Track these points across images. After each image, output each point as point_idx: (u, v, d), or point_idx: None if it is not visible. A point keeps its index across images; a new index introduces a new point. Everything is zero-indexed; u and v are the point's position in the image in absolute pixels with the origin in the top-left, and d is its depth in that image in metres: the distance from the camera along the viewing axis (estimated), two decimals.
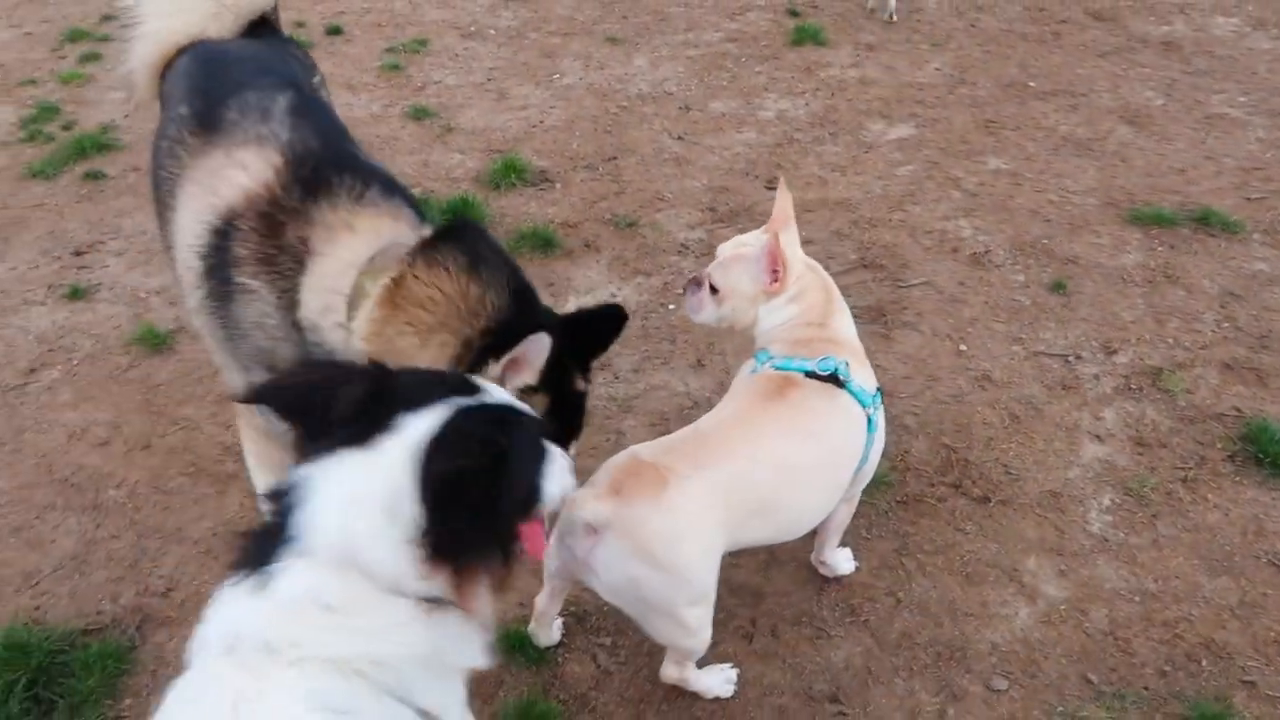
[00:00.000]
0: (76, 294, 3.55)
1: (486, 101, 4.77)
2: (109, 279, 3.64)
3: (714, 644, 2.13)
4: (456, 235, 1.87)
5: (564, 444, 1.87)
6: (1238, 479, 2.82)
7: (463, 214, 3.70)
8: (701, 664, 2.23)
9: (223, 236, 1.89)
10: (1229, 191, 4.13)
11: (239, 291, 1.89)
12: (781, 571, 2.57)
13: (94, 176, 4.19)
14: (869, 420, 2.16)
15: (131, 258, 3.75)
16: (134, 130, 4.51)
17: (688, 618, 1.97)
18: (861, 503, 2.49)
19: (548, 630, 2.32)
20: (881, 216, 3.96)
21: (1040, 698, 2.30)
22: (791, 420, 2.07)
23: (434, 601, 1.36)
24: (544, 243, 3.72)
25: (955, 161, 4.31)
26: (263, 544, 1.34)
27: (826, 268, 2.42)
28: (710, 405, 2.25)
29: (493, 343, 1.79)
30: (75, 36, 5.35)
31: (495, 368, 1.79)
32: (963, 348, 3.32)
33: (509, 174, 4.14)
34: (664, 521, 1.89)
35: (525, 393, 1.81)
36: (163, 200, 2.11)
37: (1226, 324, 3.39)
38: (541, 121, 4.60)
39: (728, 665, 2.30)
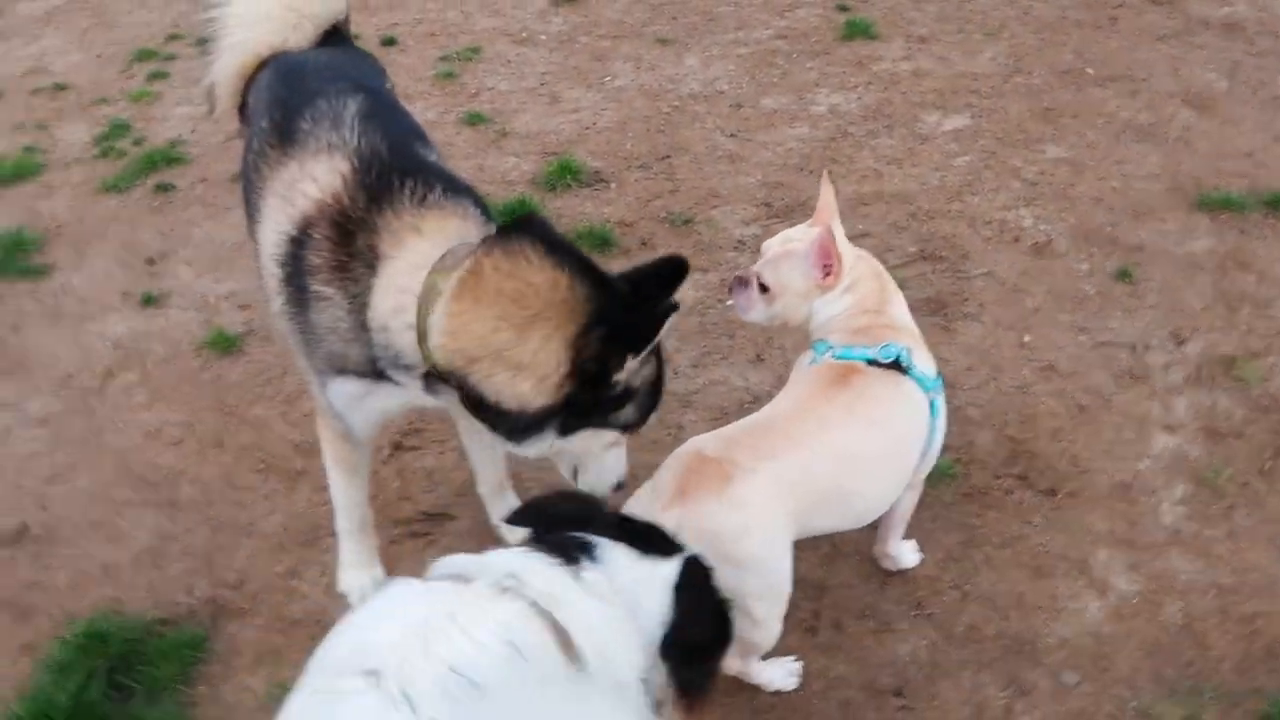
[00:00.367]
0: (150, 301, 3.67)
1: (539, 105, 4.82)
2: (180, 286, 3.76)
3: None
4: (527, 227, 1.90)
5: (656, 403, 1.99)
6: None
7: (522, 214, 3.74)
8: (764, 657, 2.23)
9: (299, 245, 1.97)
10: None
11: (315, 299, 1.96)
12: (845, 564, 2.56)
13: (164, 189, 4.33)
14: (931, 405, 2.14)
15: (201, 265, 3.87)
16: (200, 144, 4.65)
17: (756, 610, 1.99)
18: (925, 495, 2.47)
19: None
20: (939, 208, 3.91)
21: (1112, 692, 2.25)
22: (855, 408, 2.07)
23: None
24: (601, 242, 3.74)
25: (1013, 151, 4.24)
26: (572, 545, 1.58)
27: (884, 261, 2.41)
28: (770, 400, 2.25)
29: (609, 333, 1.80)
30: (143, 56, 5.53)
31: (634, 362, 1.83)
32: (1026, 338, 3.26)
33: (564, 175, 4.17)
34: (730, 516, 1.91)
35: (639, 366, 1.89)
36: (251, 213, 2.20)
37: None
38: (594, 123, 4.63)
39: (790, 658, 2.30)
